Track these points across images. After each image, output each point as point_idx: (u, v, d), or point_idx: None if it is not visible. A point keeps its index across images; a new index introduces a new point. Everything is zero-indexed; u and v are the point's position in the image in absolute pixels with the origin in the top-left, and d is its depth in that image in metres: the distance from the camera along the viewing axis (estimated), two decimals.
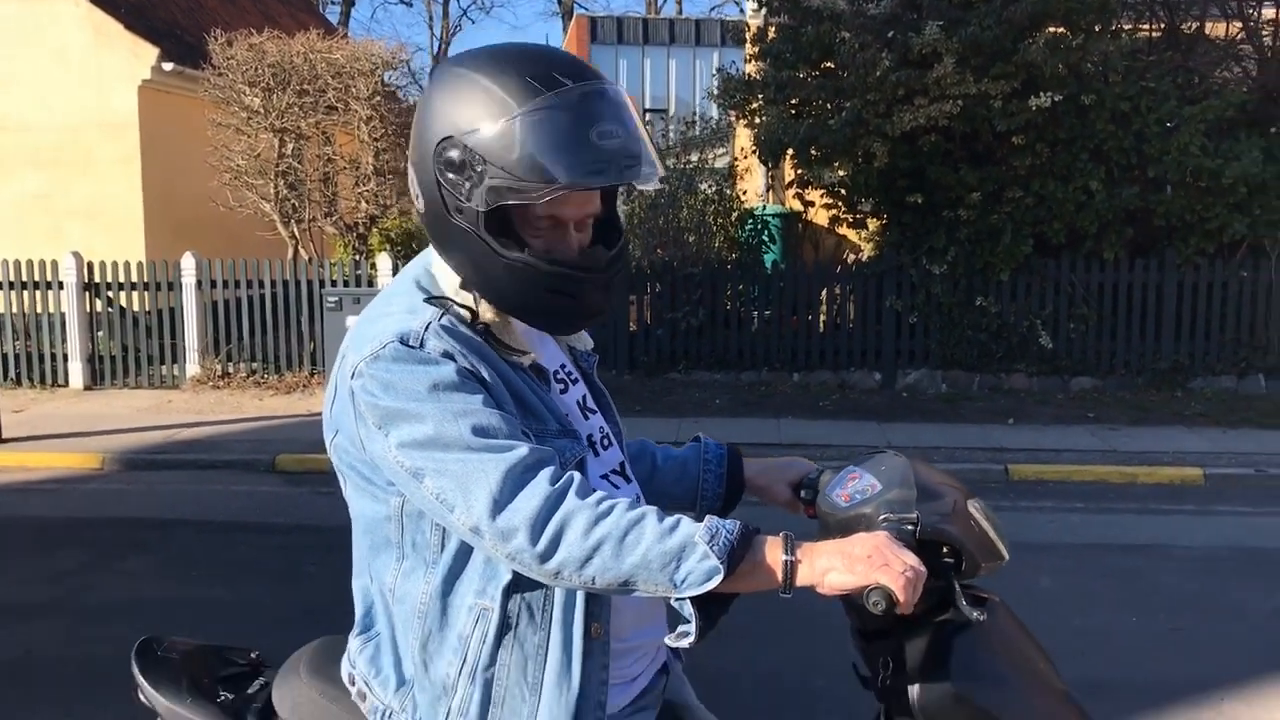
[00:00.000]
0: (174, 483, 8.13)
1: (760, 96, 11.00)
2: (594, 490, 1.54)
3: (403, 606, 1.68)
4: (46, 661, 4.76)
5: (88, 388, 11.77)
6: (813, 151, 10.59)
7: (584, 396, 1.80)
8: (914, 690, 1.76)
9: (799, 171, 11.31)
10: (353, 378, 1.60)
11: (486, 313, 1.65)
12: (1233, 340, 10.73)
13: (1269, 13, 10.87)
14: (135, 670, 1.95)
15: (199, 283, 11.68)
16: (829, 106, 10.59)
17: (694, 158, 13.00)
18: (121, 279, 11.80)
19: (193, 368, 11.72)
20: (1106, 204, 10.28)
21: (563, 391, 1.76)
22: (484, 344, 1.64)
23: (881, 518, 1.72)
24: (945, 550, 1.74)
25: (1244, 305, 10.70)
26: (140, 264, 11.90)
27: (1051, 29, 10.04)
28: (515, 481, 1.51)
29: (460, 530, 1.55)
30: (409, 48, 12.90)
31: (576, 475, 1.55)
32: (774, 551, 1.54)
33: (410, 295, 1.66)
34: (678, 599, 1.52)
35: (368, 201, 12.53)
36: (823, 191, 11.41)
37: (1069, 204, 10.31)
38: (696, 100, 26.02)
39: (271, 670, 1.98)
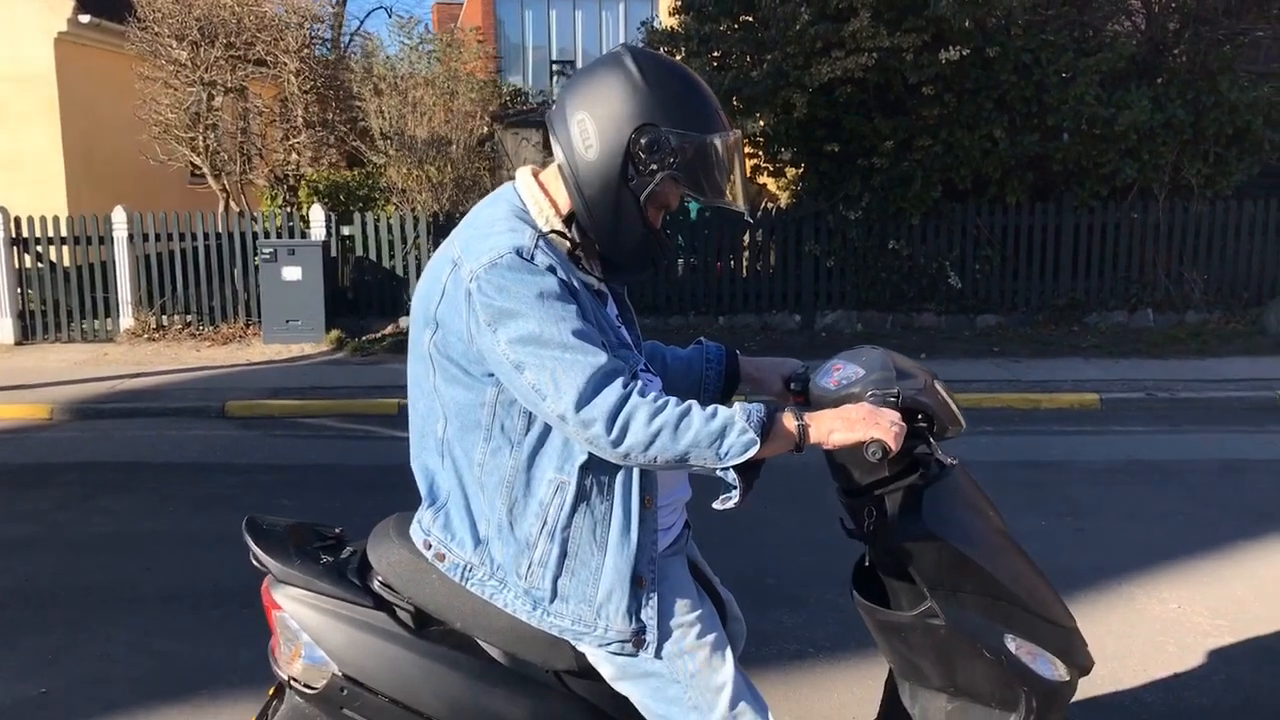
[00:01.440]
0: (128, 430, 8.34)
1: (684, 49, 11.39)
2: (652, 391, 1.97)
3: (491, 478, 2.07)
4: (47, 589, 5.04)
5: (18, 343, 11.79)
6: (735, 103, 11.04)
7: (616, 314, 2.23)
8: (897, 532, 2.24)
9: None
10: (470, 281, 1.97)
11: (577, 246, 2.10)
12: (1124, 278, 11.52)
13: None
14: (249, 540, 2.26)
15: (130, 236, 11.74)
16: (750, 59, 11.03)
17: None
18: (51, 233, 11.80)
19: (127, 321, 11.81)
20: (1009, 151, 10.93)
21: (604, 306, 2.20)
22: (570, 264, 2.06)
23: (869, 394, 2.20)
24: (920, 417, 2.21)
25: (1134, 245, 11.49)
26: (69, 218, 11.90)
27: None
28: (596, 383, 1.92)
29: (548, 416, 1.95)
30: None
31: (639, 381, 1.98)
32: (789, 421, 2.01)
33: (510, 220, 2.05)
34: (722, 469, 1.96)
35: (299, 153, 12.64)
36: (745, 142, 11.86)
37: (975, 151, 10.94)
38: (604, 50, 26.17)
39: (355, 542, 2.35)
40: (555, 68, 23.36)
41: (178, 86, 12.39)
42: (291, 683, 2.21)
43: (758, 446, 1.94)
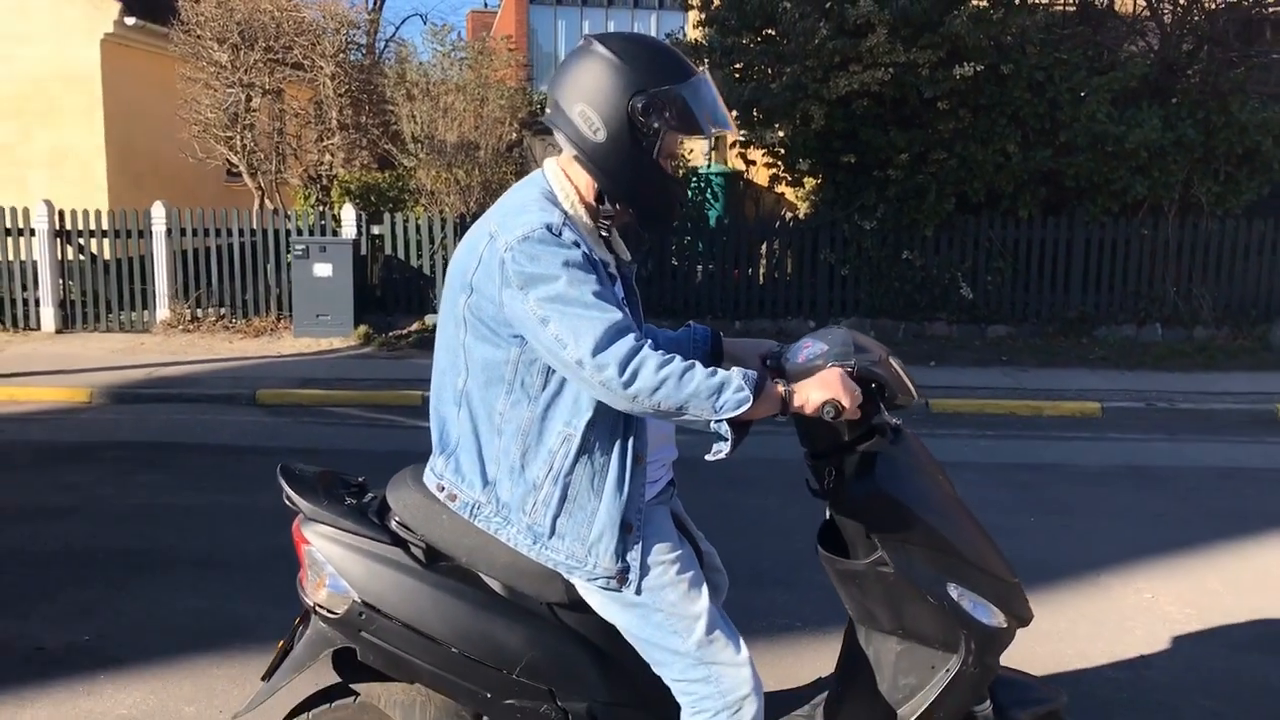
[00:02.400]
0: (163, 414, 8.73)
1: (706, 61, 11.71)
2: (659, 351, 2.25)
3: (509, 426, 2.37)
4: (86, 550, 5.42)
5: (59, 331, 12.23)
6: (755, 114, 11.36)
7: (622, 296, 2.52)
8: (852, 490, 2.55)
9: (743, 132, 12.07)
10: (505, 251, 2.26)
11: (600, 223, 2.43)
12: (1134, 292, 11.74)
13: None
14: (283, 482, 2.53)
15: (168, 231, 12.17)
16: (770, 71, 11.34)
17: None
18: (93, 226, 12.24)
19: (163, 312, 12.23)
20: (1022, 166, 11.19)
21: (612, 286, 2.50)
22: (591, 242, 2.38)
23: (829, 365, 2.51)
24: (874, 385, 2.52)
25: (1144, 261, 11.72)
26: (110, 212, 12.34)
27: (975, 3, 10.89)
28: (611, 335, 2.20)
29: (566, 362, 2.22)
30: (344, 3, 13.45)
31: (648, 339, 2.29)
32: (775, 388, 2.33)
33: (540, 201, 2.36)
34: (716, 421, 2.23)
35: (332, 154, 13.05)
36: (763, 152, 12.18)
37: (988, 165, 11.21)
38: None
39: (375, 490, 2.66)
40: None
41: (218, 87, 12.83)
42: (317, 608, 2.49)
43: (750, 404, 2.23)
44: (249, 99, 12.95)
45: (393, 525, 2.51)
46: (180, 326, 12.09)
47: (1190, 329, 11.58)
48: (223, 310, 12.30)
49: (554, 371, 2.32)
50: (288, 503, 2.53)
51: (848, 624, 2.82)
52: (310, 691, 2.67)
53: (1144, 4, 11.67)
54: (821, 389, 2.34)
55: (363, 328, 11.68)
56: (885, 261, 11.75)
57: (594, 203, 2.40)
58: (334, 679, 2.64)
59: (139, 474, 6.91)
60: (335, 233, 12.16)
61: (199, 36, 12.68)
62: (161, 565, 5.24)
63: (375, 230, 12.37)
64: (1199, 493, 6.73)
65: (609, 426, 2.36)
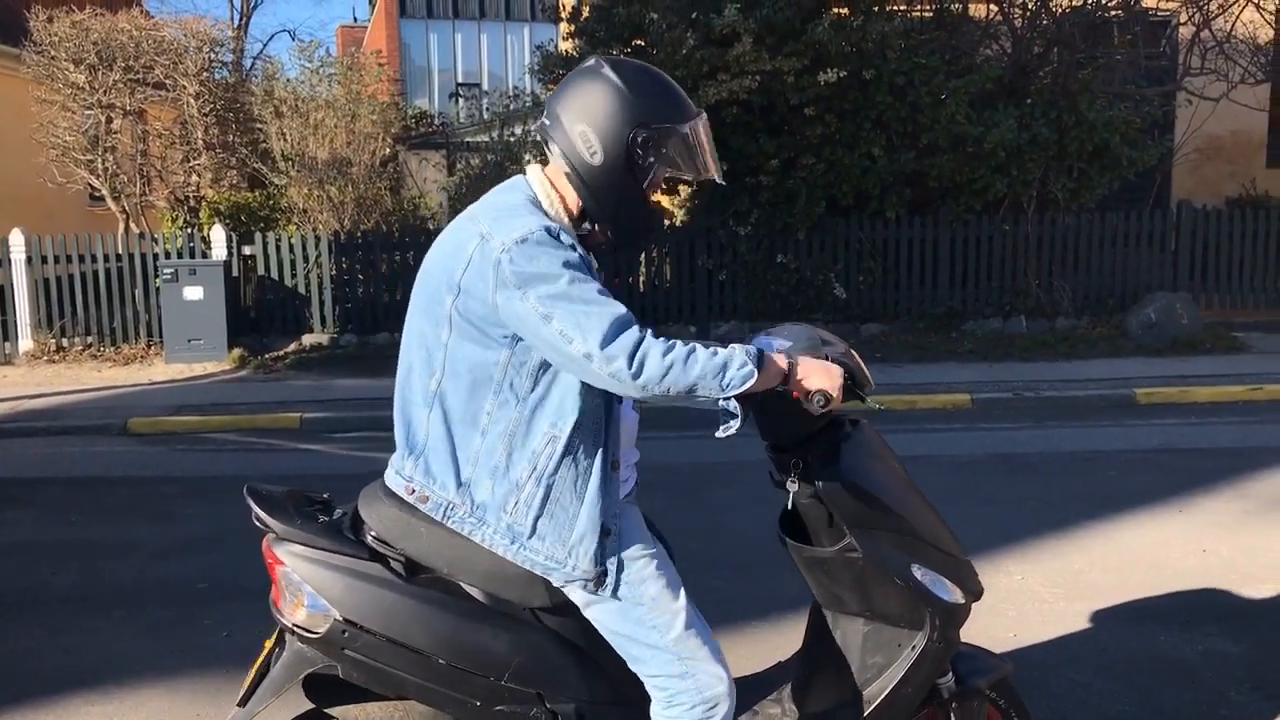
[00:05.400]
0: (30, 448, 8.42)
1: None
2: (660, 338, 2.30)
3: (496, 428, 2.37)
4: None
5: None
6: None
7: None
8: (820, 479, 2.62)
9: None
10: (502, 252, 2.27)
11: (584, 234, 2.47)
12: (998, 287, 12.18)
13: None
14: (252, 503, 2.48)
15: (29, 258, 11.74)
16: None
17: (516, 130, 13.68)
18: None
19: (26, 343, 11.79)
20: (887, 168, 11.53)
21: None
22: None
23: (800, 357, 2.51)
24: (847, 376, 2.56)
25: (1007, 256, 12.17)
26: None
27: (836, 11, 11.19)
28: (617, 328, 2.23)
29: (574, 357, 2.23)
30: (207, 20, 13.18)
31: (649, 329, 2.32)
32: (778, 360, 2.38)
33: (528, 206, 2.39)
34: (724, 399, 2.28)
35: (199, 175, 12.75)
36: None
37: (855, 169, 11.52)
38: (510, 74, 26.44)
39: (343, 506, 2.61)
40: (461, 91, 23.59)
41: (75, 109, 12.43)
42: (295, 629, 2.44)
43: (755, 378, 2.28)
44: (109, 120, 12.57)
45: (369, 540, 2.49)
46: (45, 357, 11.67)
47: (1053, 320, 12.06)
48: (90, 339, 11.91)
49: (543, 373, 2.36)
50: (257, 523, 2.49)
51: (811, 609, 2.89)
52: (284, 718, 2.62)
53: (996, 9, 12.13)
54: (823, 377, 2.42)
55: (237, 351, 11.43)
56: (761, 265, 11.98)
57: (576, 217, 2.45)
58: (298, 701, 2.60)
59: (6, 511, 6.67)
60: (205, 254, 11.88)
61: (53, 57, 12.28)
62: (35, 605, 5.07)
63: (247, 250, 12.13)
64: (1063, 477, 7.03)
65: (592, 431, 2.40)
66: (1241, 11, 12.67)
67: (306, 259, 12.09)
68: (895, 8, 12.03)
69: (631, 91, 2.37)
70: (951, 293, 12.21)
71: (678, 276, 12.25)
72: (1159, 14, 13.01)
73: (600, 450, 2.41)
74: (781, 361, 2.38)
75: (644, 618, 2.44)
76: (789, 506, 2.72)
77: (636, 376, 2.23)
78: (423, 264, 2.47)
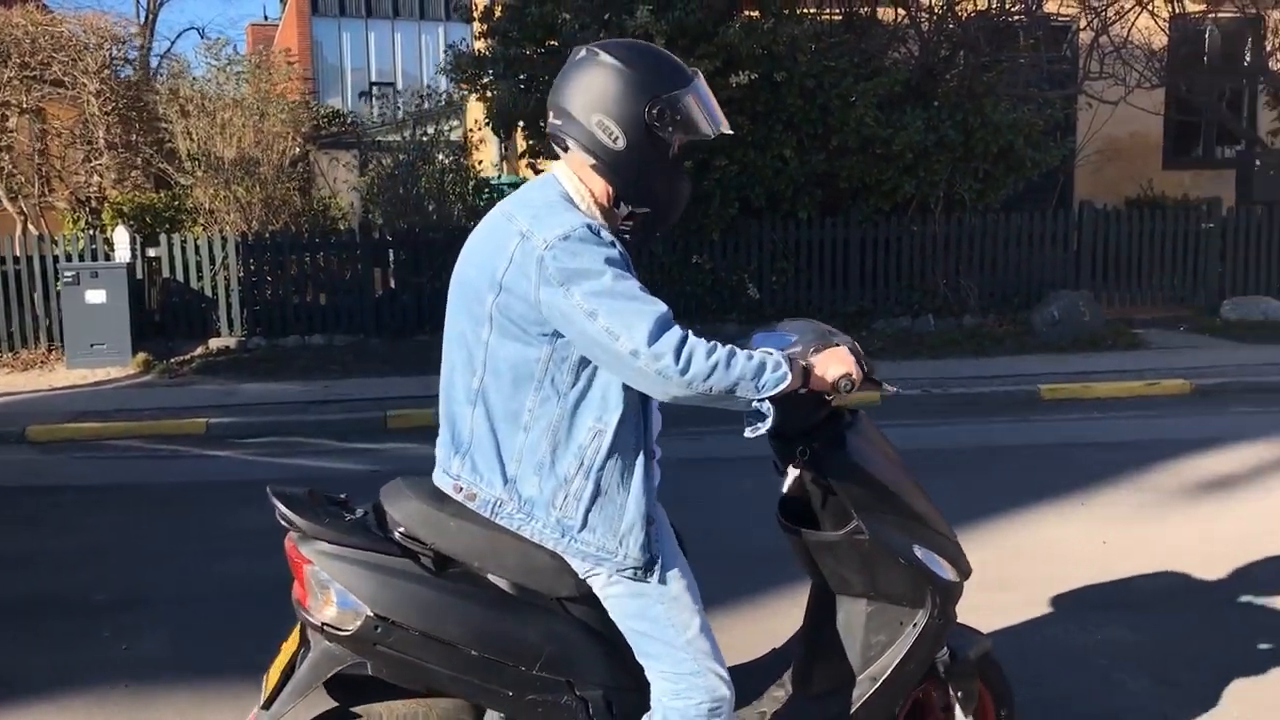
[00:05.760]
0: None
1: (490, 73, 11.72)
2: (700, 338, 2.35)
3: (538, 424, 2.40)
4: None
5: None
6: (542, 123, 11.44)
7: None
8: (829, 466, 2.73)
9: (530, 143, 12.13)
10: (545, 249, 2.29)
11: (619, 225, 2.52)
12: (907, 286, 12.37)
13: None
14: (277, 503, 2.47)
15: None
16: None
17: (430, 130, 13.57)
18: None
19: None
20: (799, 170, 11.65)
21: None
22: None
23: (811, 349, 2.62)
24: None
25: (915, 256, 12.36)
26: None
27: (747, 14, 11.27)
28: (661, 325, 2.27)
29: (620, 353, 2.27)
30: (109, 16, 12.86)
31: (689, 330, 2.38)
32: (798, 363, 2.47)
33: (565, 204, 2.41)
34: (759, 400, 2.35)
35: (101, 175, 12.42)
36: (553, 161, 12.27)
37: (767, 170, 11.61)
38: (424, 73, 26.19)
39: (363, 504, 2.62)
40: (374, 90, 23.33)
41: None
42: (325, 628, 2.45)
43: (788, 381, 2.37)
44: (4, 119, 12.18)
45: (396, 536, 2.50)
46: None
47: (960, 318, 12.29)
48: None
49: (583, 369, 2.39)
50: (283, 522, 2.49)
51: (811, 593, 2.97)
52: None
53: (904, 13, 12.32)
54: (839, 363, 2.52)
55: (142, 355, 11.15)
56: (676, 267, 12.03)
57: (609, 206, 2.48)
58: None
59: None
60: (108, 257, 11.57)
61: None
62: None
63: (151, 253, 11.84)
64: (969, 471, 7.17)
65: (633, 424, 2.44)
66: (1136, 19, 13.06)
67: (213, 261, 11.84)
68: (805, 11, 12.17)
69: (633, 69, 2.40)
70: (862, 292, 12.37)
71: None
72: (1060, 19, 13.36)
73: (641, 440, 2.47)
74: (800, 363, 2.48)
75: (664, 615, 2.49)
76: (785, 493, 2.81)
77: (683, 374, 2.27)
78: (458, 265, 2.51)
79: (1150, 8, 13.06)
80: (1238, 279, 12.80)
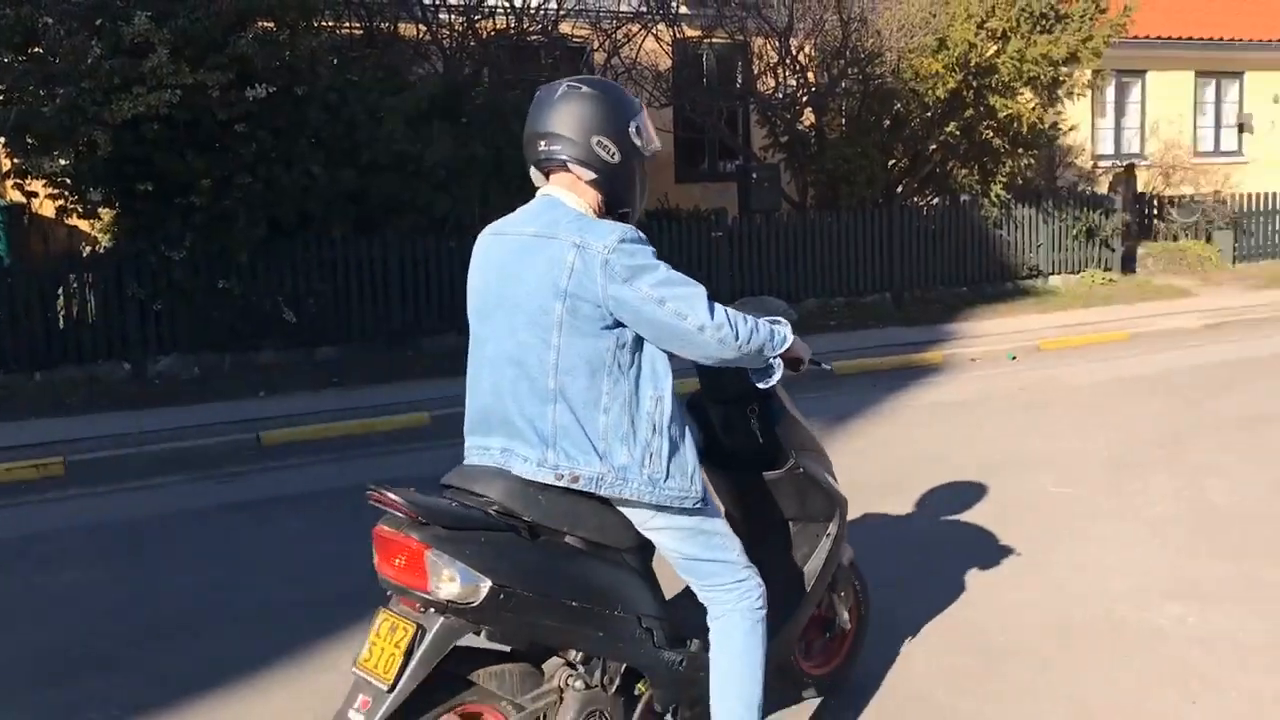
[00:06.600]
0: None
1: None
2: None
3: (615, 402, 2.86)
4: None
5: None
6: (29, 139, 10.16)
7: None
8: (773, 419, 3.50)
9: (15, 161, 10.73)
10: (608, 253, 2.78)
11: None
12: (450, 303, 12.21)
13: (460, 18, 12.52)
14: (391, 495, 2.75)
15: None
16: (41, 93, 10.19)
17: None
18: None
19: None
20: (329, 187, 11.20)
21: None
22: None
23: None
24: None
25: (455, 272, 12.22)
26: None
27: (261, 24, 10.69)
28: (710, 303, 2.86)
29: (688, 330, 2.83)
30: None
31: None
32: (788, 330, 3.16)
33: (592, 216, 2.92)
34: (774, 357, 3.06)
35: None
36: (45, 181, 10.94)
37: (295, 188, 11.05)
38: None
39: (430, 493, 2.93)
40: None
41: None
42: (450, 605, 2.73)
43: (791, 339, 3.11)
44: None
45: (491, 514, 2.86)
46: None
47: None
48: None
49: (636, 349, 2.89)
50: (398, 513, 2.76)
51: (747, 528, 3.41)
52: None
53: (425, 29, 12.27)
54: (802, 348, 3.23)
55: None
56: (201, 292, 11.13)
57: (600, 211, 2.97)
58: None
59: None
60: None
61: None
62: None
63: None
64: None
65: (672, 389, 2.95)
66: (643, 42, 13.93)
67: None
68: (324, 24, 11.76)
69: (611, 98, 2.96)
70: (405, 310, 12.14)
71: (105, 308, 11.02)
72: (576, 40, 13.94)
73: (680, 404, 3.03)
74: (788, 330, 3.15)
75: (719, 539, 3.09)
76: (707, 452, 3.36)
77: (737, 338, 2.90)
78: (492, 293, 2.96)
79: (655, 32, 13.97)
80: (748, 282, 13.99)
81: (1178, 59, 20.71)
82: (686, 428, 3.00)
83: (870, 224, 14.63)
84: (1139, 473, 7.06)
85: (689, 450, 2.97)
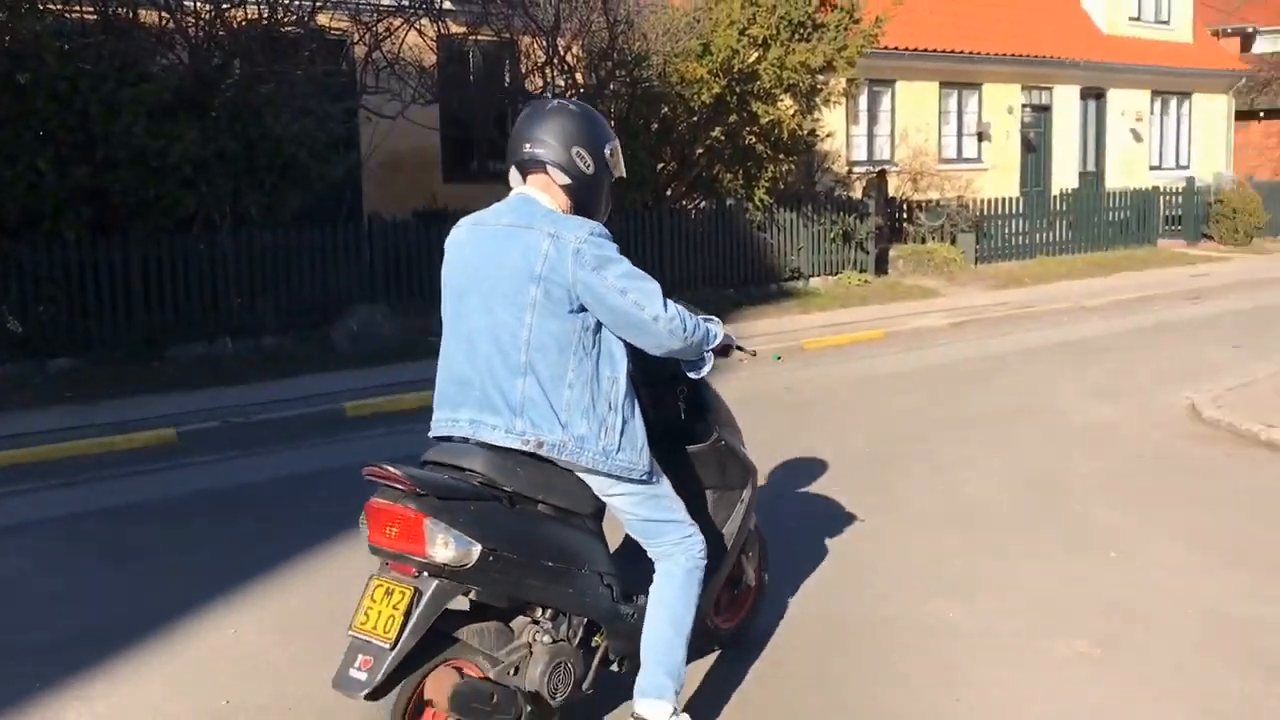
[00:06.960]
0: None
1: None
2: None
3: (579, 379, 3.22)
4: None
5: None
6: None
7: None
8: (701, 400, 3.89)
9: None
10: (580, 243, 3.17)
11: None
12: (200, 308, 11.49)
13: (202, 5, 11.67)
14: (389, 468, 3.10)
15: None
16: None
17: None
18: None
19: None
20: (59, 184, 10.29)
21: None
22: None
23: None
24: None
25: (205, 275, 11.50)
26: None
27: None
28: (663, 295, 3.26)
29: (644, 320, 3.23)
30: None
31: None
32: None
33: (561, 212, 3.31)
34: (709, 350, 3.51)
35: None
36: None
37: (20, 185, 10.09)
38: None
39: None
40: None
41: None
42: (446, 568, 3.07)
43: (722, 334, 3.58)
44: None
45: (475, 484, 3.20)
46: None
47: (259, 339, 11.74)
48: None
49: (595, 334, 3.25)
50: (397, 486, 3.07)
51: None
52: None
53: (168, 17, 11.43)
54: (732, 338, 3.69)
55: None
56: None
57: (569, 214, 3.32)
58: None
59: None
60: None
61: None
62: None
63: None
64: (276, 505, 6.84)
65: (625, 369, 3.31)
66: (406, 35, 13.49)
67: None
68: (50, 7, 10.78)
69: (593, 119, 3.37)
70: (150, 318, 11.26)
71: None
72: (335, 33, 13.34)
73: (633, 386, 3.37)
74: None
75: (667, 502, 3.49)
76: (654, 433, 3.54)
77: (684, 329, 3.30)
78: (471, 274, 3.34)
79: (418, 26, 13.55)
80: None
81: (924, 69, 21.85)
82: (636, 408, 3.35)
83: (640, 226, 14.69)
84: (899, 468, 7.30)
85: (639, 427, 3.34)
